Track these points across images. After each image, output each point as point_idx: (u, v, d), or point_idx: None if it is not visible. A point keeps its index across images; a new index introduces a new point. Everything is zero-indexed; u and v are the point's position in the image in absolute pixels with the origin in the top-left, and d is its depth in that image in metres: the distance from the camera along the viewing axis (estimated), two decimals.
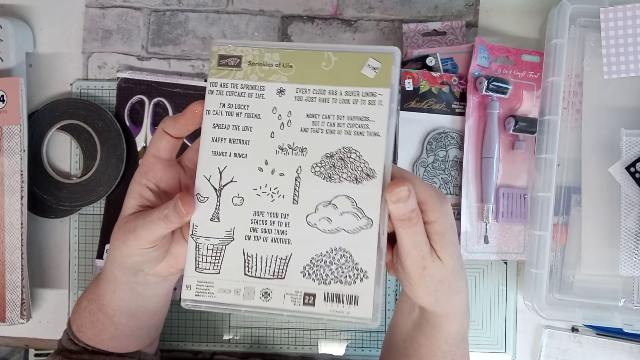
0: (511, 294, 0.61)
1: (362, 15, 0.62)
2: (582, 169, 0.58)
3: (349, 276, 0.32)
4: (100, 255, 0.60)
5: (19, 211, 0.56)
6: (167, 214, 0.34)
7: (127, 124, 0.61)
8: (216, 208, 0.34)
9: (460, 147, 0.58)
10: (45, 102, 0.61)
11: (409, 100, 0.57)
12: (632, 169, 0.55)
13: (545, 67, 0.57)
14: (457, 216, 0.58)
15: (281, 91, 0.33)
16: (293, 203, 0.33)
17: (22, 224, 0.57)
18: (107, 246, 0.60)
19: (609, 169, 0.56)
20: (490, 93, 0.57)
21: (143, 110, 0.61)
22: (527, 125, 0.57)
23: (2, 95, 0.57)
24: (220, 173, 0.34)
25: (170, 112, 0.60)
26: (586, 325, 0.60)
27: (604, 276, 0.57)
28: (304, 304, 0.32)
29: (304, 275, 0.32)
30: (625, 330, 0.55)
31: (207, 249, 0.33)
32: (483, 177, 0.58)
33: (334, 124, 0.33)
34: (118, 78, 0.61)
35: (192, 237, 0.34)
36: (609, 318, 0.55)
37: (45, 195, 0.60)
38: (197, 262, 0.34)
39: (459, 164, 0.58)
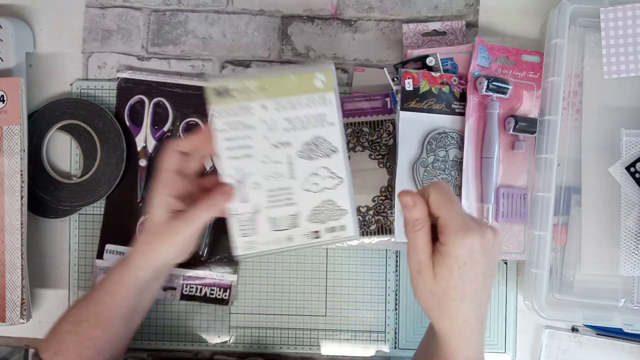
0: (511, 294, 0.61)
1: (362, 15, 0.62)
2: (582, 169, 0.58)
3: (337, 215, 0.48)
4: (100, 255, 0.60)
5: (19, 211, 0.56)
6: (215, 202, 0.46)
7: (127, 124, 0.61)
8: (243, 194, 0.46)
9: (460, 147, 0.58)
10: (45, 102, 0.61)
11: (409, 100, 0.57)
12: (632, 169, 0.55)
13: (545, 67, 0.57)
14: None
15: (264, 107, 0.45)
16: (291, 179, 0.47)
17: (22, 224, 0.57)
18: (107, 247, 0.61)
19: (609, 169, 0.56)
20: (490, 93, 0.57)
21: (143, 110, 0.61)
22: (527, 125, 0.57)
23: (2, 95, 0.57)
24: (238, 171, 0.46)
25: (170, 112, 0.60)
26: (586, 325, 0.60)
27: (604, 276, 0.57)
28: (314, 238, 0.48)
29: (310, 221, 0.47)
30: (625, 330, 0.55)
31: (245, 220, 0.47)
32: (483, 177, 0.58)
33: (304, 122, 0.46)
34: (118, 78, 0.61)
35: (233, 216, 0.47)
36: (609, 318, 0.55)
37: (45, 195, 0.60)
38: (241, 231, 0.47)
39: (459, 164, 0.58)
